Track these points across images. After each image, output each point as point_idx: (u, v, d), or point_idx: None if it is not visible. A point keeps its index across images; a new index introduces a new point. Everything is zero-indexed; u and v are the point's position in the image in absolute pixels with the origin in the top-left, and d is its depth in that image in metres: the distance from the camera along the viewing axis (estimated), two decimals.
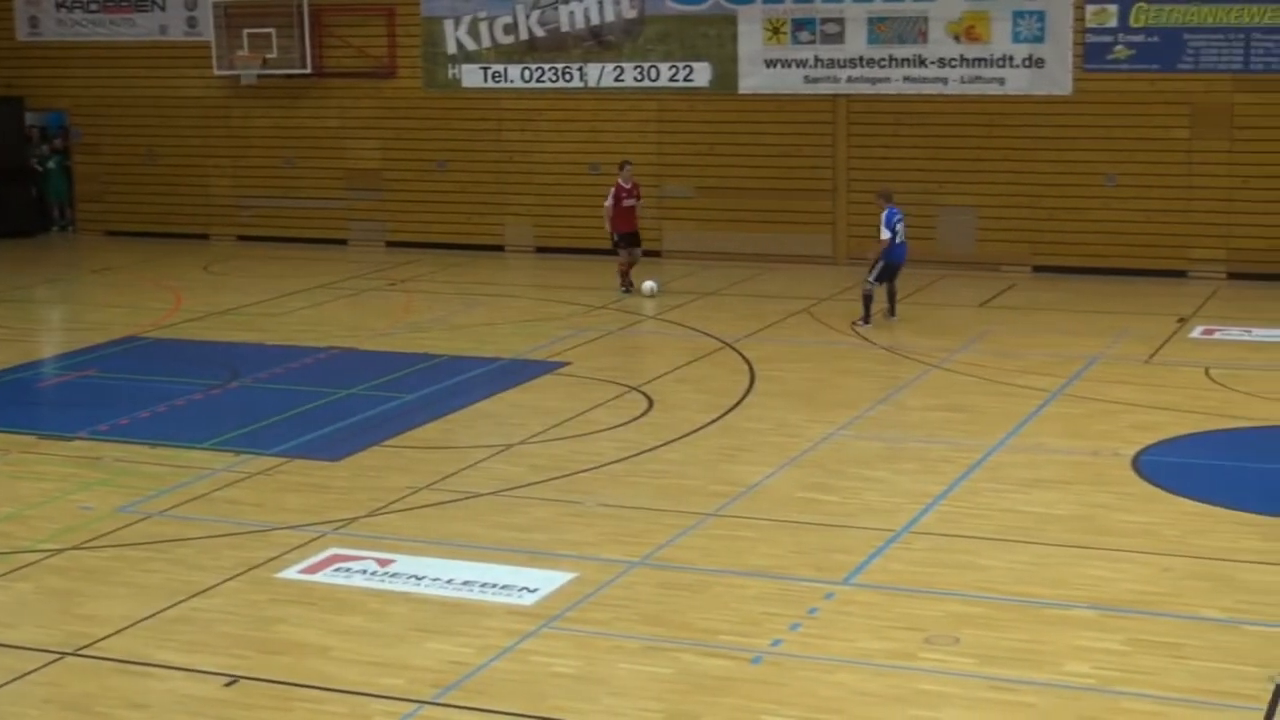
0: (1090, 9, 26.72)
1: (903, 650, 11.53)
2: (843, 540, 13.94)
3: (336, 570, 13.39)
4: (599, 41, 29.45)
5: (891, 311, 23.29)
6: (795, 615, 12.24)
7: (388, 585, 13.04)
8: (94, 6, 32.56)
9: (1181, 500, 14.86)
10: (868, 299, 22.95)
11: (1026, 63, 27.09)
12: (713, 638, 11.82)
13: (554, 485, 15.67)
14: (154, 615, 12.55)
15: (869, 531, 14.09)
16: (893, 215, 23.07)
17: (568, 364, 20.71)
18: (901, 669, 11.24)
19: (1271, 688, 10.72)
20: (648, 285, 25.23)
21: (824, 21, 28.09)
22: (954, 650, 11.52)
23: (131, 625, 12.35)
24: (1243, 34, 26.05)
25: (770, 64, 28.47)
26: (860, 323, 22.82)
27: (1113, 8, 26.60)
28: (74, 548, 14.18)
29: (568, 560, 13.47)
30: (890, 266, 23.10)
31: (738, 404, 18.65)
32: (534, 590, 12.84)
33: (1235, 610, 12.17)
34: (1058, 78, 27.00)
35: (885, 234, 22.94)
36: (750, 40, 28.53)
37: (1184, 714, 10.42)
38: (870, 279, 22.94)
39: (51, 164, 33.03)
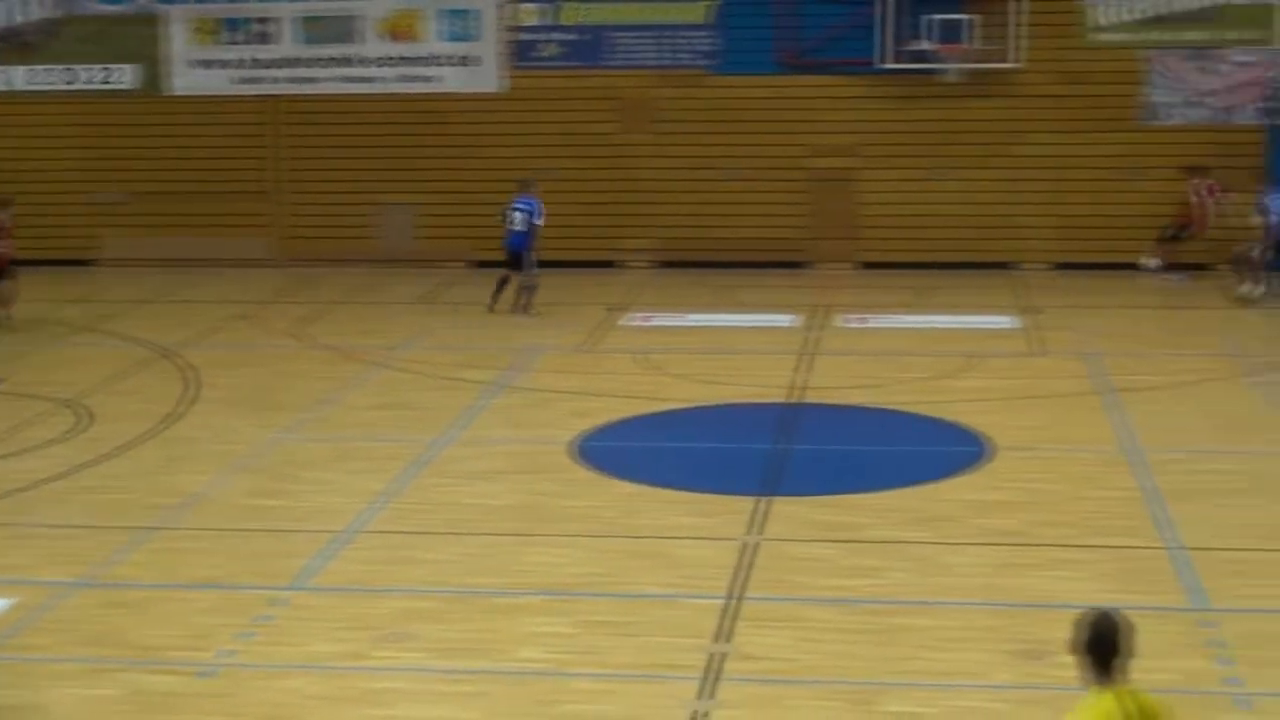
0: (519, 8, 27.28)
1: (355, 650, 11.51)
2: (292, 544, 13.80)
3: None
4: (18, 42, 28.23)
5: (492, 305, 23.50)
6: (245, 624, 12.05)
7: None
8: None
9: (619, 483, 15.36)
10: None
11: (458, 61, 27.45)
12: (160, 654, 11.50)
13: None
14: None
15: (318, 534, 14.00)
16: (516, 204, 23.41)
17: None
18: (354, 669, 11.22)
19: (708, 657, 11.19)
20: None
21: (254, 21, 27.74)
22: (406, 646, 11.57)
23: None
24: (663, 31, 27.10)
25: (200, 65, 27.94)
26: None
27: (540, 6, 27.22)
28: None
29: (3, 585, 12.86)
30: (506, 252, 23.46)
31: (178, 413, 18.22)
32: None
33: (673, 585, 12.66)
34: (489, 75, 27.48)
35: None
36: (179, 41, 27.92)
37: (630, 688, 10.77)
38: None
39: None
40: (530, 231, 23.31)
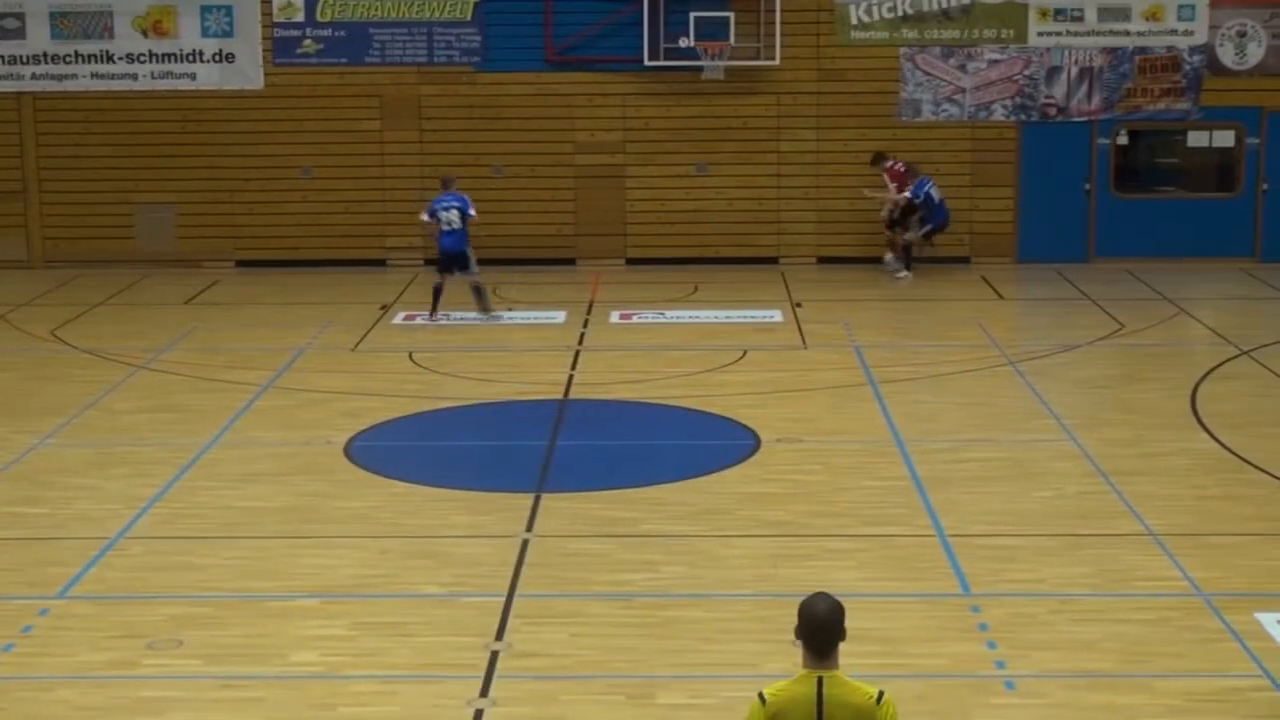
0: (276, 3, 26.94)
1: (125, 659, 11.28)
2: (55, 553, 13.47)
3: None
4: None
5: (434, 315, 22.68)
6: (8, 635, 11.73)
7: None
8: None
9: (392, 483, 15.26)
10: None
11: (217, 58, 27.02)
12: None
13: None
14: None
15: (82, 541, 13.68)
16: (438, 202, 22.49)
17: None
18: (124, 678, 11.00)
19: (489, 655, 11.19)
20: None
21: (3, 16, 26.99)
22: (178, 653, 11.38)
23: None
24: (426, 28, 26.98)
25: None
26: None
27: (299, 2, 26.91)
28: None
29: None
30: (441, 255, 22.71)
31: None
32: None
33: (451, 584, 12.63)
34: (248, 72, 27.09)
35: (424, 217, 22.88)
36: None
37: (411, 689, 10.72)
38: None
39: None
40: (466, 229, 22.47)
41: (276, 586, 12.62)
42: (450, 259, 22.51)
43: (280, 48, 27.07)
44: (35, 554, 13.46)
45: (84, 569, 13.05)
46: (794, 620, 7.03)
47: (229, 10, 26.95)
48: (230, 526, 14.09)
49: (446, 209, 22.38)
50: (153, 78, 27.13)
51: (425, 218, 22.88)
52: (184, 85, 27.11)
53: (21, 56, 27.07)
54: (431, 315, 22.56)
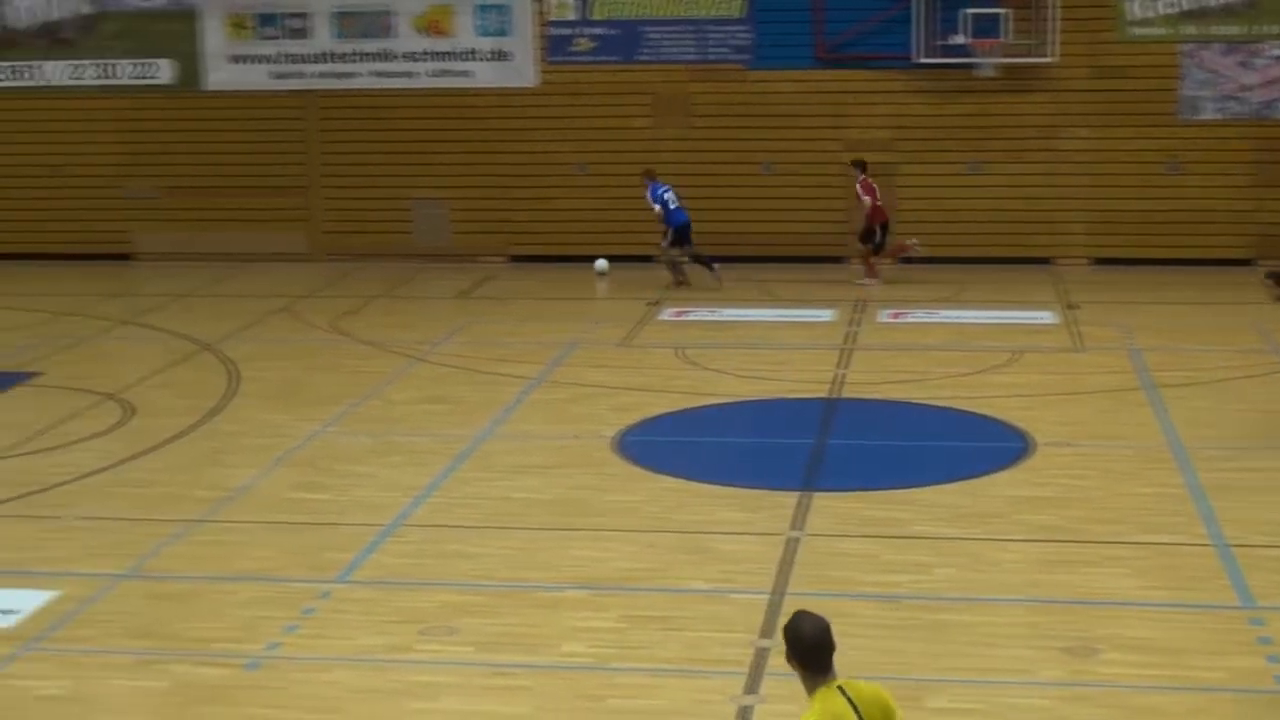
0: (551, 2, 27.30)
1: (400, 644, 11.54)
2: (335, 538, 13.84)
3: None
4: (54, 39, 28.35)
5: (709, 266, 25.09)
6: (290, 617, 12.08)
7: None
8: None
9: (661, 477, 15.35)
10: (672, 265, 25.26)
11: (492, 56, 27.48)
12: (206, 646, 11.56)
13: (30, 501, 15.01)
14: None
15: (361, 527, 14.04)
16: (656, 189, 24.80)
17: (38, 374, 19.88)
18: (399, 663, 11.25)
19: (754, 652, 11.19)
20: (599, 264, 25.58)
21: (289, 17, 27.81)
22: (450, 640, 11.60)
23: None
24: (697, 25, 27.10)
25: (236, 60, 28.02)
26: (675, 286, 25.09)
27: (573, 1, 27.24)
28: None
29: (49, 578, 12.92)
30: (680, 230, 24.93)
31: (220, 406, 18.28)
32: (13, 612, 12.27)
33: (718, 580, 12.66)
34: (523, 70, 27.50)
35: (656, 208, 24.98)
36: (214, 36, 28.00)
37: (677, 683, 10.77)
38: (664, 245, 25.25)
39: None
40: None
41: (546, 577, 12.79)
42: (688, 228, 24.92)
43: (554, 46, 27.44)
44: (317, 538, 13.84)
45: (363, 554, 13.38)
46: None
47: (504, 10, 27.38)
48: (502, 517, 14.32)
49: (667, 191, 24.82)
50: (430, 76, 27.70)
51: (657, 208, 24.82)
52: (460, 83, 27.63)
53: (306, 55, 27.86)
54: (713, 271, 25.10)
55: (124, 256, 27.88)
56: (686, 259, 25.31)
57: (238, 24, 27.98)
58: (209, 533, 14.08)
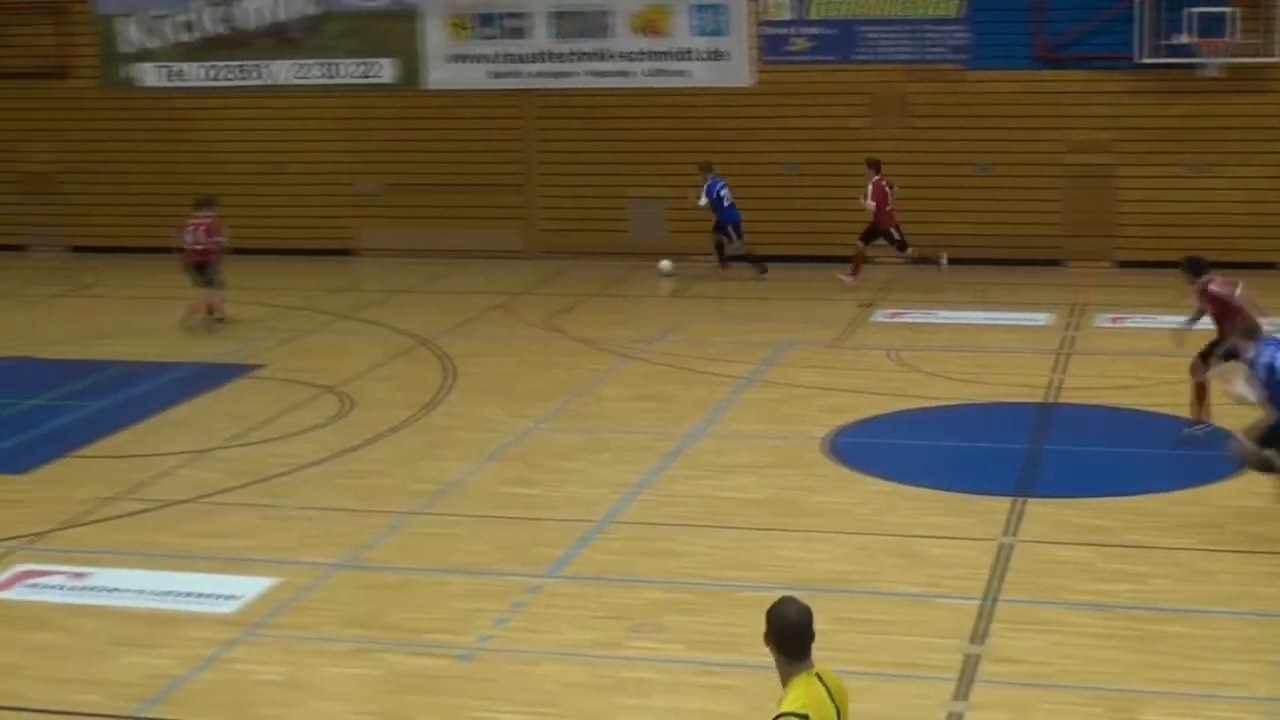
0: (768, 1, 27.28)
1: (609, 639, 11.63)
2: (546, 533, 13.99)
3: (26, 586, 12.97)
4: (281, 38, 29.03)
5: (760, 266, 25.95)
6: (501, 610, 12.25)
7: (82, 599, 12.68)
8: None
9: (871, 480, 15.27)
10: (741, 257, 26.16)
11: (708, 55, 27.54)
12: (419, 636, 11.77)
13: (252, 490, 15.41)
14: None
15: (571, 523, 14.17)
16: (714, 184, 25.75)
17: (262, 366, 20.39)
18: (609, 658, 11.33)
19: (964, 658, 11.09)
20: (664, 264, 25.73)
21: (507, 17, 28.14)
22: (659, 637, 11.66)
23: None
24: (914, 25, 26.89)
25: (455, 59, 28.43)
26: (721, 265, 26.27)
27: (788, 1, 27.19)
28: None
29: (268, 565, 13.26)
30: (732, 227, 25.86)
31: (436, 401, 18.58)
32: (235, 597, 12.61)
33: (928, 585, 12.56)
34: (738, 70, 27.51)
35: (703, 201, 25.73)
36: (434, 36, 28.44)
37: (885, 688, 10.71)
38: (735, 241, 26.01)
39: None
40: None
41: (755, 577, 12.79)
42: (738, 226, 25.86)
43: (770, 45, 27.41)
44: (528, 533, 14.00)
45: (573, 550, 13.51)
46: None
47: (721, 9, 27.42)
48: (711, 516, 14.35)
49: (724, 187, 25.72)
50: (646, 75, 27.84)
51: (704, 201, 25.74)
52: (676, 83, 27.73)
53: (524, 55, 28.17)
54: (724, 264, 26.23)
55: (347, 252, 28.43)
56: (725, 254, 26.21)
57: (458, 24, 28.39)
58: (423, 525, 14.32)
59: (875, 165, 25.21)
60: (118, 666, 11.37)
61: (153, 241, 29.26)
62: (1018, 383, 18.96)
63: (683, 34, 27.67)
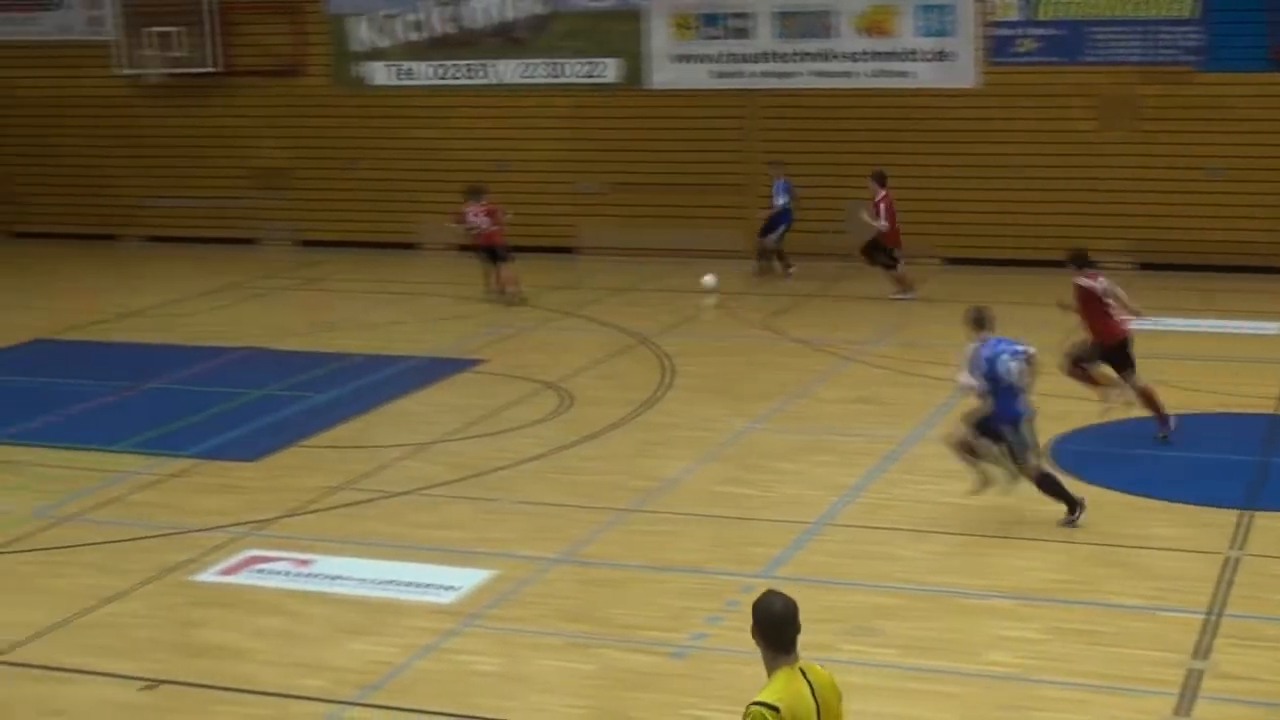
0: (996, 2, 26.95)
1: (823, 642, 11.57)
2: (761, 533, 14.00)
3: (254, 572, 13.33)
4: (507, 38, 29.41)
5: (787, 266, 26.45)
6: (715, 609, 12.29)
7: (306, 586, 12.99)
8: None
9: (1093, 488, 15.00)
10: (770, 253, 26.41)
11: (933, 56, 27.29)
12: (634, 633, 11.85)
13: (471, 483, 15.64)
14: (69, 620, 12.43)
15: (787, 524, 14.16)
16: (787, 184, 26.06)
17: (483, 361, 20.68)
18: (820, 660, 11.19)
19: (1186, 673, 10.86)
20: (707, 279, 25.15)
21: (731, 17, 28.18)
22: (872, 641, 11.61)
23: (47, 631, 12.23)
24: (1145, 26, 26.37)
25: (679, 59, 28.53)
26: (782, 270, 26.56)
27: (1016, 1, 26.83)
28: None
29: (487, 558, 13.46)
30: (785, 228, 26.34)
31: (654, 399, 18.67)
32: (454, 588, 12.82)
33: (1150, 597, 12.33)
34: (964, 70, 27.22)
35: (782, 200, 26.05)
36: (659, 36, 28.59)
37: (1103, 700, 10.54)
38: (773, 239, 26.38)
39: None
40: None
41: (971, 584, 12.67)
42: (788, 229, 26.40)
43: (997, 46, 27.07)
44: (743, 533, 14.02)
45: (787, 551, 13.50)
46: None
47: (947, 10, 27.16)
48: (928, 521, 14.24)
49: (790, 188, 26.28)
50: (869, 76, 27.67)
51: (783, 200, 26.11)
52: (900, 84, 27.53)
53: (747, 55, 28.19)
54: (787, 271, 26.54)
55: (567, 250, 28.71)
56: (773, 252, 26.51)
57: (682, 24, 28.49)
58: (639, 522, 14.41)
59: (881, 179, 24.73)
60: (340, 653, 11.63)
61: (380, 236, 29.89)
62: (1247, 393, 18.49)
63: (907, 34, 27.46)
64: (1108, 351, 16.68)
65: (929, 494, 14.97)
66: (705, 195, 28.47)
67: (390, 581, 13.00)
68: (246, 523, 14.57)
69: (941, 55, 27.30)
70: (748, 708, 6.66)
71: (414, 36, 29.80)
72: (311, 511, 14.91)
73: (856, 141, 27.68)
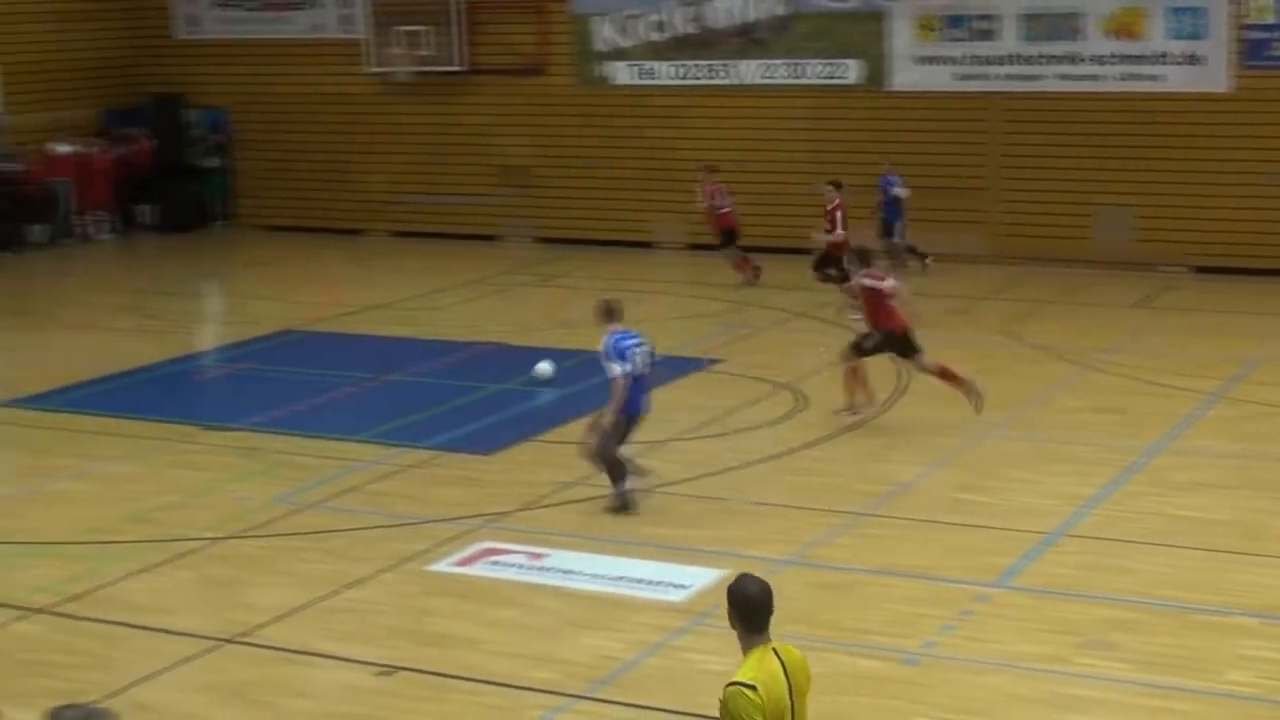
0: (1251, 4, 26.25)
1: (1055, 654, 11.42)
2: (995, 542, 13.82)
3: (489, 563, 13.53)
4: (749, 38, 29.44)
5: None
6: (947, 616, 12.17)
7: (539, 579, 13.15)
8: (252, 4, 33.07)
9: None
10: (901, 250, 26.00)
11: (1183, 59, 26.67)
12: (863, 638, 11.79)
13: (704, 482, 15.69)
14: (310, 605, 12.75)
15: (1022, 534, 13.96)
16: (893, 181, 26.14)
17: (719, 360, 20.71)
18: (1054, 673, 11.13)
19: None
20: (542, 367, 20.62)
21: (976, 19, 27.85)
22: (1108, 655, 11.40)
23: (288, 614, 12.56)
24: None
25: (922, 61, 28.29)
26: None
27: (1272, 4, 26.11)
28: (232, 537, 14.45)
29: (717, 557, 13.48)
30: (900, 225, 26.27)
31: (889, 402, 18.54)
32: (684, 586, 12.88)
33: None
34: (1216, 75, 26.55)
35: (904, 193, 25.95)
36: (901, 37, 28.36)
37: None
38: (897, 239, 26.15)
39: (211, 160, 33.60)
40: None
41: (1212, 600, 12.37)
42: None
43: (1251, 50, 26.35)
44: (976, 541, 13.86)
45: (1023, 561, 13.31)
46: None
47: (1199, 12, 26.51)
48: (1169, 534, 13.93)
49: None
50: (1117, 79, 27.13)
51: (905, 193, 25.95)
52: (1148, 87, 26.93)
53: (992, 57, 27.83)
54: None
55: (805, 251, 28.56)
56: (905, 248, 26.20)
57: (926, 25, 28.24)
58: (871, 526, 14.33)
59: (839, 184, 24.45)
60: (571, 646, 11.75)
61: (617, 234, 30.13)
62: None
63: (1158, 37, 26.86)
64: (892, 341, 17.64)
65: (1169, 507, 14.64)
66: (944, 198, 28.14)
67: (621, 578, 13.10)
68: (482, 515, 14.80)
69: (1192, 59, 26.67)
70: (725, 689, 6.91)
71: (656, 36, 29.98)
72: (546, 506, 15.09)
73: (1102, 146, 27.16)
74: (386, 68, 31.67)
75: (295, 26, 32.81)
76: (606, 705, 10.81)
